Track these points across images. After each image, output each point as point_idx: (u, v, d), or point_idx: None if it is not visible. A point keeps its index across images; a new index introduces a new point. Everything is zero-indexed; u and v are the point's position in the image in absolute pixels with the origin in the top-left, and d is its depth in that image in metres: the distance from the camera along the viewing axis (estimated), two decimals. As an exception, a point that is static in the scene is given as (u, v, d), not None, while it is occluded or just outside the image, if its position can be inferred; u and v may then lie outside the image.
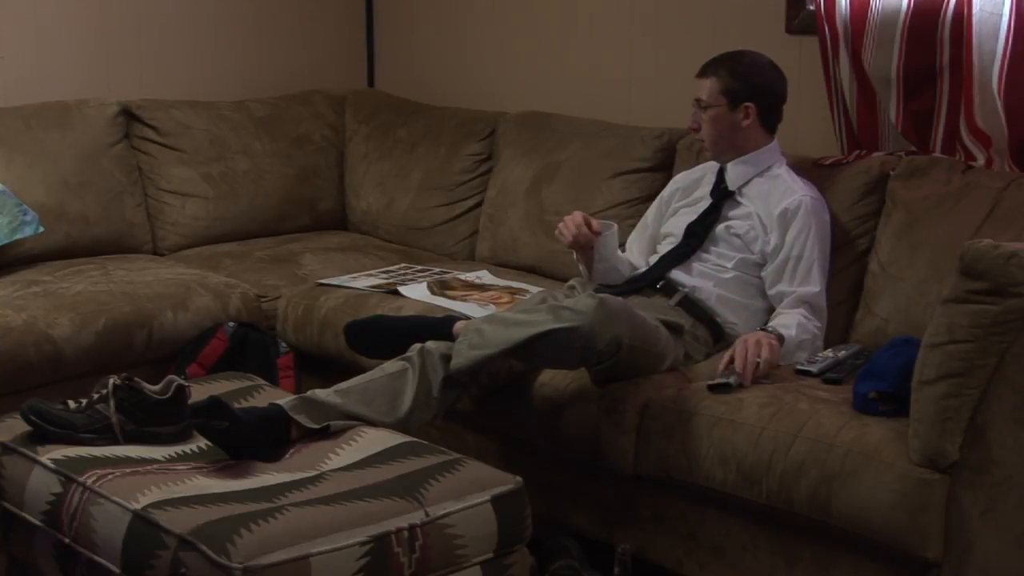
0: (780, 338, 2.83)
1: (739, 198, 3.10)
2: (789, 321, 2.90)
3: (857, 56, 3.19)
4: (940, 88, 3.10)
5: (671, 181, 3.34)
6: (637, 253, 3.29)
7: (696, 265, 3.07)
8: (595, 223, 3.07)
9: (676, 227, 3.17)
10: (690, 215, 3.16)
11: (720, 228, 3.09)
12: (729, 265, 3.05)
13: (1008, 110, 2.91)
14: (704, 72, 3.09)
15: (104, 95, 3.99)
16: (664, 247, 3.17)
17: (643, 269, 3.18)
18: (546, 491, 2.84)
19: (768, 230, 3.03)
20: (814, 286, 2.97)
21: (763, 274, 3.04)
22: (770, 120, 3.11)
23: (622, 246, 3.28)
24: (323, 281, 3.60)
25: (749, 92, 3.06)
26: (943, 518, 2.31)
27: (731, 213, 3.10)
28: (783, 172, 3.10)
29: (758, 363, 2.74)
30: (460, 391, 2.81)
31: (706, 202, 3.15)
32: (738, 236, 3.06)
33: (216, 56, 4.38)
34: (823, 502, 2.41)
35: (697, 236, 3.09)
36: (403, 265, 3.80)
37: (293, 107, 4.37)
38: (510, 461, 2.87)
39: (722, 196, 3.12)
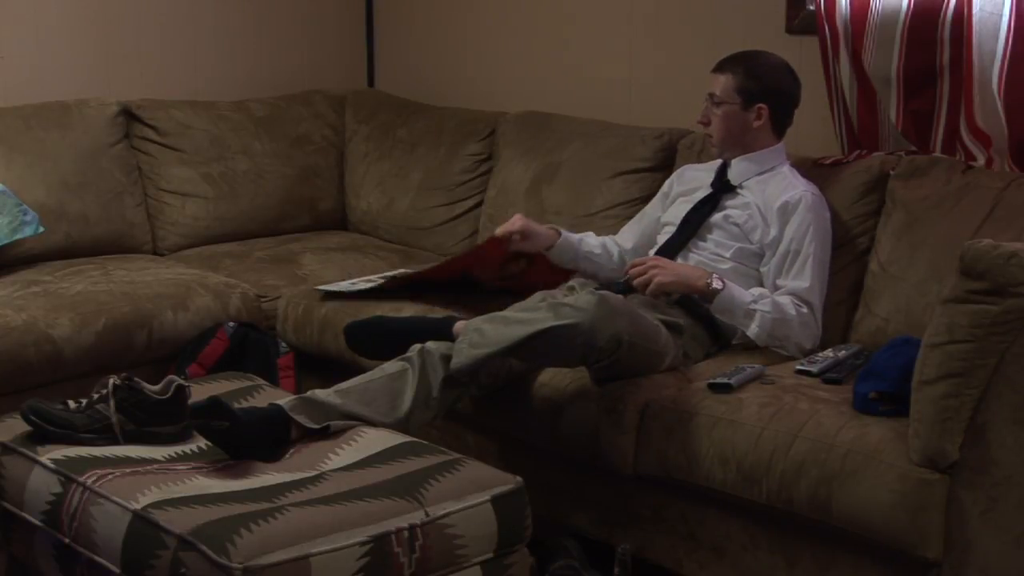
0: (714, 290, 2.89)
1: (739, 190, 3.11)
2: (758, 292, 2.94)
3: (857, 56, 3.19)
4: (940, 88, 3.11)
5: (678, 170, 3.35)
6: (627, 236, 3.32)
7: (693, 255, 3.08)
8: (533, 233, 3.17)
9: (674, 217, 3.18)
10: (688, 204, 3.16)
11: (717, 217, 3.09)
12: (727, 255, 3.05)
13: (1008, 110, 2.91)
14: (721, 68, 3.08)
15: (104, 95, 3.99)
16: (662, 237, 3.18)
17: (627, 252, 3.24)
18: (546, 491, 2.84)
19: (768, 222, 3.03)
20: (804, 281, 2.97)
21: (762, 269, 3.04)
22: (780, 123, 3.12)
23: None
24: (323, 288, 3.53)
25: (764, 93, 3.06)
26: (943, 518, 2.31)
27: (729, 203, 3.10)
28: (785, 170, 3.11)
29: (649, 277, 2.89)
30: (460, 391, 2.81)
31: (703, 192, 3.15)
32: (737, 225, 3.06)
33: (216, 56, 4.39)
34: (823, 502, 2.41)
35: (692, 224, 3.10)
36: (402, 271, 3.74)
37: (293, 107, 4.37)
38: (510, 461, 2.87)
39: (723, 188, 3.12)
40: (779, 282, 3.00)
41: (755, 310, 2.91)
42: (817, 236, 2.99)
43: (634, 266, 2.97)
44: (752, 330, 2.92)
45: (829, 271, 3.04)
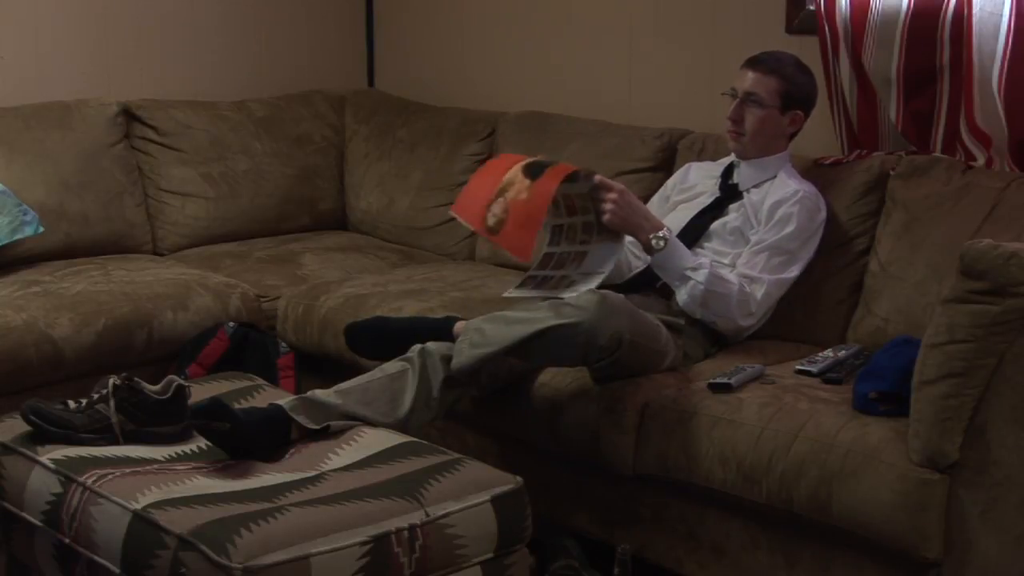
0: (653, 248, 2.86)
1: (744, 195, 3.10)
2: (699, 262, 2.90)
3: (857, 56, 3.19)
4: (940, 88, 3.11)
5: (683, 167, 3.32)
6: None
7: None
8: None
9: (674, 222, 3.17)
10: (690, 210, 3.15)
11: (717, 224, 3.08)
12: (726, 261, 3.04)
13: (1008, 110, 2.91)
14: (765, 69, 3.03)
15: (104, 95, 3.99)
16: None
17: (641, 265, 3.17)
18: (546, 491, 2.84)
19: (760, 221, 3.03)
20: (752, 268, 2.96)
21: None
22: (799, 130, 3.11)
23: None
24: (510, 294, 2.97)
25: (801, 100, 3.06)
26: (943, 518, 2.31)
27: (730, 207, 3.10)
28: (783, 174, 3.10)
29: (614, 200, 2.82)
30: (460, 392, 2.81)
31: (708, 197, 3.15)
32: (737, 229, 3.06)
33: (216, 56, 4.38)
34: (823, 502, 2.41)
35: (696, 230, 3.09)
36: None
37: (293, 107, 4.37)
38: (510, 461, 2.87)
39: (730, 193, 3.11)
40: (740, 264, 2.99)
41: (689, 278, 2.88)
42: (792, 230, 2.97)
43: (606, 188, 2.86)
44: (681, 296, 2.90)
45: (826, 271, 3.05)
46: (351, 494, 2.26)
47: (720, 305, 2.91)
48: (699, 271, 2.89)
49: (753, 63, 3.07)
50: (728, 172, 3.16)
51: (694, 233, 3.09)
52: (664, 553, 2.75)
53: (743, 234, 3.05)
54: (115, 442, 2.51)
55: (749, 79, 3.05)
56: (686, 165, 3.33)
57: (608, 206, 2.85)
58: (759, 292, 2.95)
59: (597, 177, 2.86)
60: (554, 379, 2.86)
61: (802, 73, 3.08)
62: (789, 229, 2.98)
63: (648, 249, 2.89)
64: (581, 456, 2.81)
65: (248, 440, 2.47)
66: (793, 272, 3.00)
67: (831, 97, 3.32)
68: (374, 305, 3.36)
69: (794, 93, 3.05)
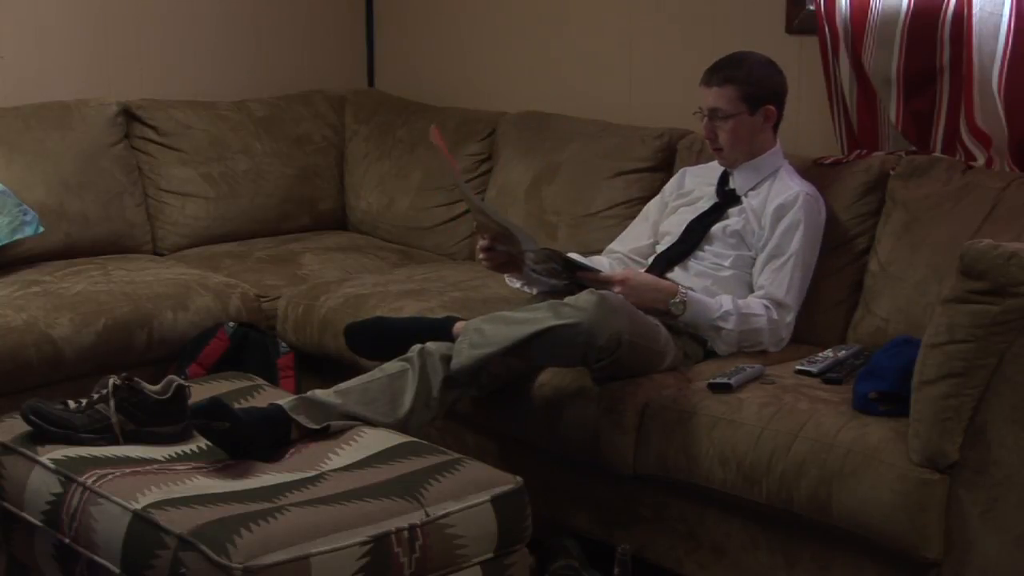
0: (673, 315, 2.88)
1: (742, 199, 3.10)
2: (724, 309, 2.91)
3: (857, 56, 3.19)
4: (940, 88, 3.11)
5: (678, 173, 3.33)
6: (630, 240, 3.28)
7: (693, 264, 3.07)
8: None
9: (673, 226, 3.17)
10: (690, 213, 3.15)
11: (717, 228, 3.08)
12: (726, 264, 3.05)
13: (1008, 110, 2.91)
14: (718, 81, 3.03)
15: (104, 95, 3.99)
16: (662, 246, 3.17)
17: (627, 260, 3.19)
18: (546, 491, 2.84)
19: (763, 226, 3.03)
20: (783, 285, 2.97)
21: (753, 271, 3.04)
22: (779, 121, 3.11)
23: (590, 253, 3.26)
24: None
25: (767, 95, 3.05)
26: (943, 518, 2.31)
27: (730, 211, 3.10)
28: (783, 173, 3.10)
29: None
30: (460, 392, 2.81)
31: (707, 202, 3.15)
32: (737, 232, 3.06)
33: (216, 56, 4.39)
34: (823, 502, 2.41)
35: (696, 233, 3.09)
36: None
37: (293, 107, 4.37)
38: (510, 461, 2.87)
39: (728, 199, 3.11)
40: (760, 281, 3.00)
41: (720, 328, 2.91)
42: (804, 237, 2.99)
43: (607, 282, 2.89)
44: (718, 347, 2.94)
45: (826, 271, 3.05)
46: (351, 494, 2.26)
47: (755, 339, 2.94)
48: (728, 319, 2.91)
49: (707, 78, 3.06)
50: (724, 179, 3.16)
51: (695, 236, 3.09)
52: (664, 553, 2.75)
53: (743, 238, 3.05)
54: (115, 442, 2.51)
55: (709, 96, 3.05)
56: (681, 171, 3.33)
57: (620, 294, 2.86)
58: (788, 316, 2.97)
59: (595, 275, 2.90)
60: (554, 379, 2.86)
61: (762, 67, 3.07)
62: (800, 235, 2.99)
63: (670, 316, 2.90)
64: (581, 456, 2.81)
65: (248, 440, 2.47)
66: (809, 276, 3.02)
67: (831, 97, 3.32)
68: (374, 305, 3.36)
69: (756, 92, 3.03)
